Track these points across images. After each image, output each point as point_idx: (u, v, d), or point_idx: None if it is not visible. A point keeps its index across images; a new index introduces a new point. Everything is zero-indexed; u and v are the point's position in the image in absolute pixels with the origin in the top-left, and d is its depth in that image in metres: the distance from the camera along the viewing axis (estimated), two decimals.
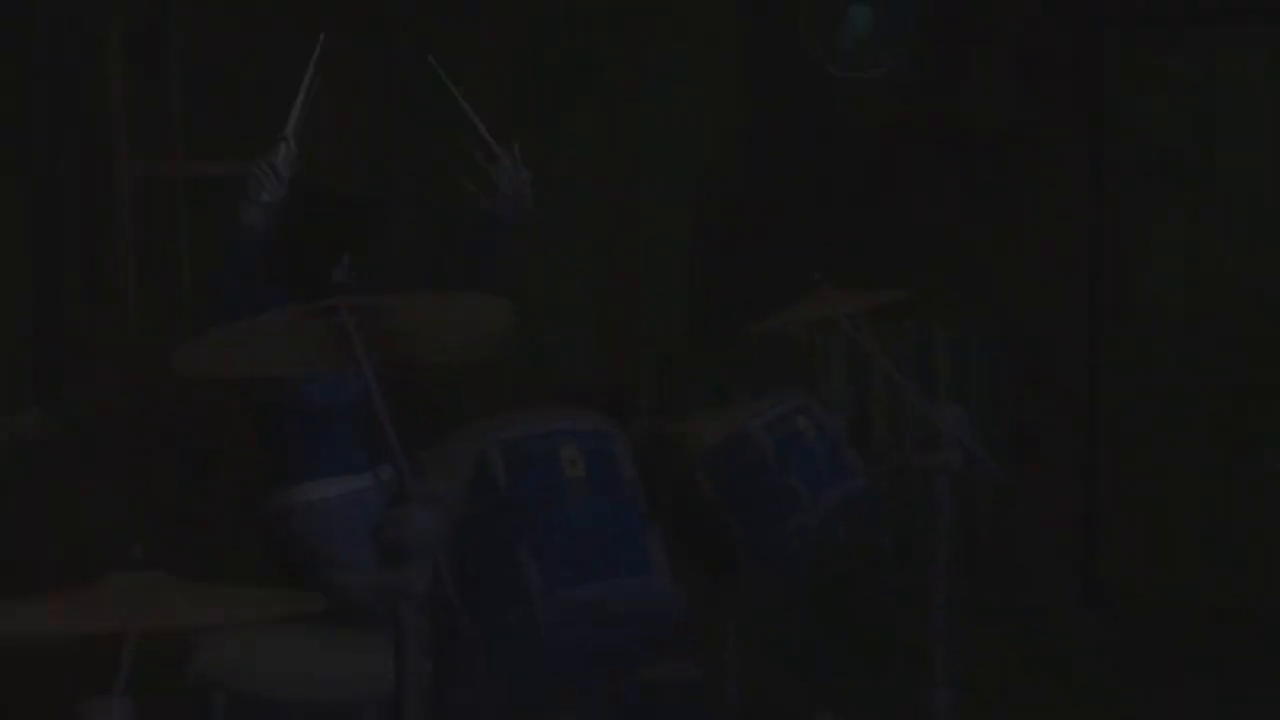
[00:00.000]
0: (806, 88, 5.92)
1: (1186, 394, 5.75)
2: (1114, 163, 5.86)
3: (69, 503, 4.14)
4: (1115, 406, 5.90)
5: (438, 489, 2.35)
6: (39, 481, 4.12)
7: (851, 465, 3.06)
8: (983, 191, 5.96)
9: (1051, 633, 5.39)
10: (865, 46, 5.58)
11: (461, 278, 3.20)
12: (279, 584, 3.19)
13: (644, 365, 5.73)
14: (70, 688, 2.13)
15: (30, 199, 4.34)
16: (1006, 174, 5.91)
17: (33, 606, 2.21)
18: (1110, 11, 5.78)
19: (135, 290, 4.41)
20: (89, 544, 3.85)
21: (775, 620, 4.82)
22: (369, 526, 2.15)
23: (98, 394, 4.28)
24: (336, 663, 2.69)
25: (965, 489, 5.75)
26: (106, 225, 4.40)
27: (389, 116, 5.31)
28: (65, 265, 4.41)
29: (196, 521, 4.17)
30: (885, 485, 3.24)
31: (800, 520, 2.91)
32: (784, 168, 6.19)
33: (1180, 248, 5.82)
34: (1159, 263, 5.86)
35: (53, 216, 4.38)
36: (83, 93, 4.39)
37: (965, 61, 6.00)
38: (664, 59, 6.12)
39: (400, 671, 2.17)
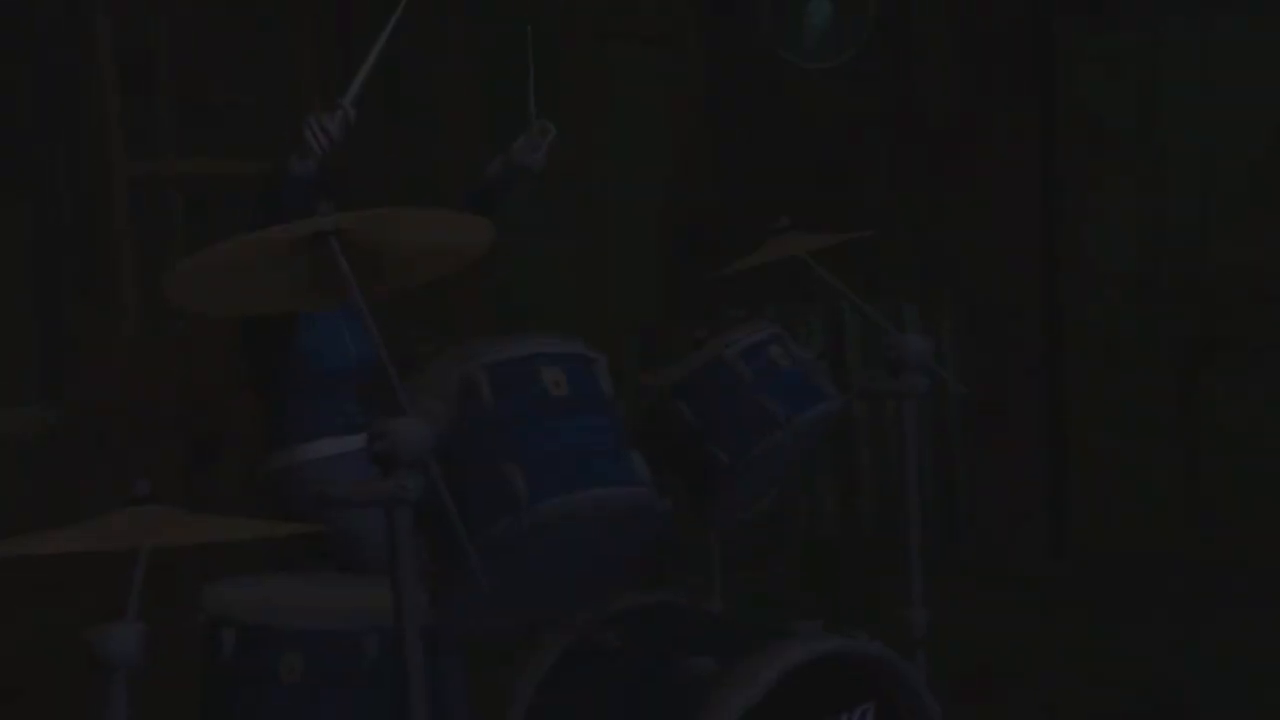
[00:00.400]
0: (767, 82, 6.07)
1: (1142, 354, 5.91)
2: (1063, 139, 6.03)
3: (73, 497, 4.21)
4: (1075, 370, 6.06)
5: (428, 406, 2.45)
6: (43, 476, 4.20)
7: (824, 389, 3.18)
8: (939, 174, 6.13)
9: (1021, 581, 5.55)
10: (825, 38, 5.73)
11: None
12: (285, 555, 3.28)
13: (629, 347, 5.85)
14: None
15: (30, 201, 4.43)
16: (961, 156, 6.07)
17: (49, 534, 2.30)
18: None
19: (134, 287, 4.51)
20: None
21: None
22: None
23: (101, 388, 4.36)
24: (339, 597, 2.79)
25: (941, 462, 5.97)
26: (104, 224, 4.50)
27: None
28: (65, 264, 4.51)
29: (205, 506, 4.26)
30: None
31: (777, 439, 3.03)
32: (747, 160, 6.35)
33: (1130, 217, 5.97)
34: (1111, 232, 6.01)
35: (51, 218, 4.47)
36: (78, 100, 4.50)
37: (918, 48, 6.16)
38: (629, 60, 6.27)
39: (397, 587, 2.28)
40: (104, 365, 4.46)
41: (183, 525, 2.38)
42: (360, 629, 2.60)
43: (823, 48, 5.61)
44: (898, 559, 3.25)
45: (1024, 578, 5.71)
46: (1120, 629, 5.07)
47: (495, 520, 2.45)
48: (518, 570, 2.57)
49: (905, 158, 6.19)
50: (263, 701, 2.57)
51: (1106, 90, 5.96)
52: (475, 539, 2.30)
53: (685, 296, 6.17)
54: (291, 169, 3.13)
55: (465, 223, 2.53)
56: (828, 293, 3.33)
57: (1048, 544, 6.02)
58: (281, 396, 3.41)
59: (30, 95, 4.46)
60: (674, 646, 2.87)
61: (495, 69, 5.85)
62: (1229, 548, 5.60)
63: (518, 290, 5.83)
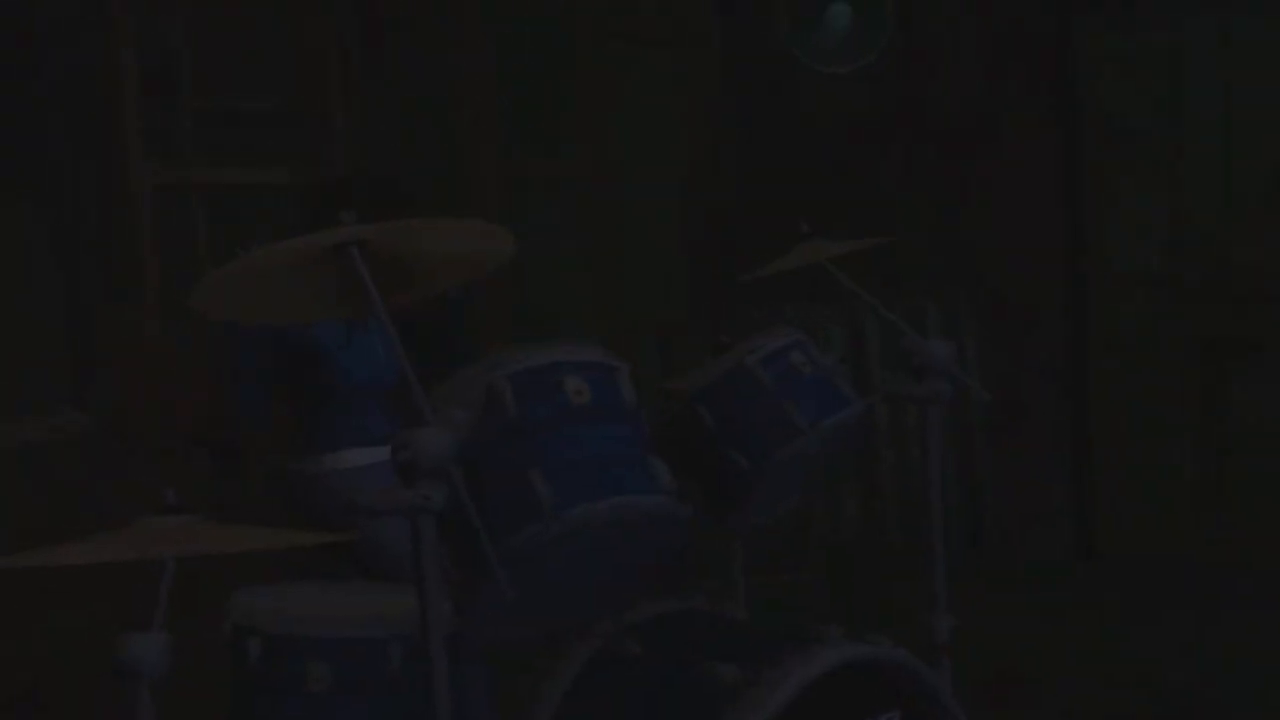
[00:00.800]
0: (782, 83, 6.07)
1: (1163, 355, 5.90)
2: (1083, 139, 6.02)
3: (98, 503, 4.23)
4: (1095, 372, 6.06)
5: (452, 415, 2.45)
6: (68, 482, 4.22)
7: (846, 395, 3.17)
8: (957, 175, 6.13)
9: (1044, 584, 5.54)
10: (845, 43, 5.72)
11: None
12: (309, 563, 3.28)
13: (646, 349, 5.85)
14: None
15: (52, 207, 4.45)
16: (979, 156, 6.07)
17: (77, 544, 2.31)
18: None
19: (157, 293, 4.52)
20: None
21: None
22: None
23: (126, 395, 4.37)
24: (363, 605, 2.80)
25: (962, 465, 5.96)
26: (126, 230, 4.52)
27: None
28: (90, 269, 4.53)
29: (230, 511, 4.28)
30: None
31: (800, 446, 3.03)
32: (766, 161, 6.35)
33: (1150, 217, 5.95)
34: (1131, 232, 5.99)
35: (74, 224, 4.49)
36: (99, 105, 4.51)
37: (934, 48, 6.16)
38: (645, 61, 6.27)
39: (422, 597, 2.28)
40: (129, 372, 4.47)
41: (209, 535, 2.38)
42: (385, 637, 2.61)
43: (842, 53, 5.61)
44: (920, 564, 3.25)
45: (1046, 581, 5.71)
46: (1143, 632, 5.07)
47: (519, 529, 2.45)
48: (540, 579, 2.56)
49: (922, 158, 6.19)
50: (288, 710, 2.58)
51: (1126, 90, 5.94)
52: (499, 547, 2.31)
53: (703, 299, 6.18)
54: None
55: (486, 231, 2.53)
56: (847, 295, 3.32)
57: (1070, 546, 6.01)
58: (312, 406, 3.43)
59: (51, 100, 4.48)
60: (697, 653, 2.87)
61: (510, 72, 5.87)
62: (1252, 549, 5.59)
63: (535, 294, 5.84)
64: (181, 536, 2.33)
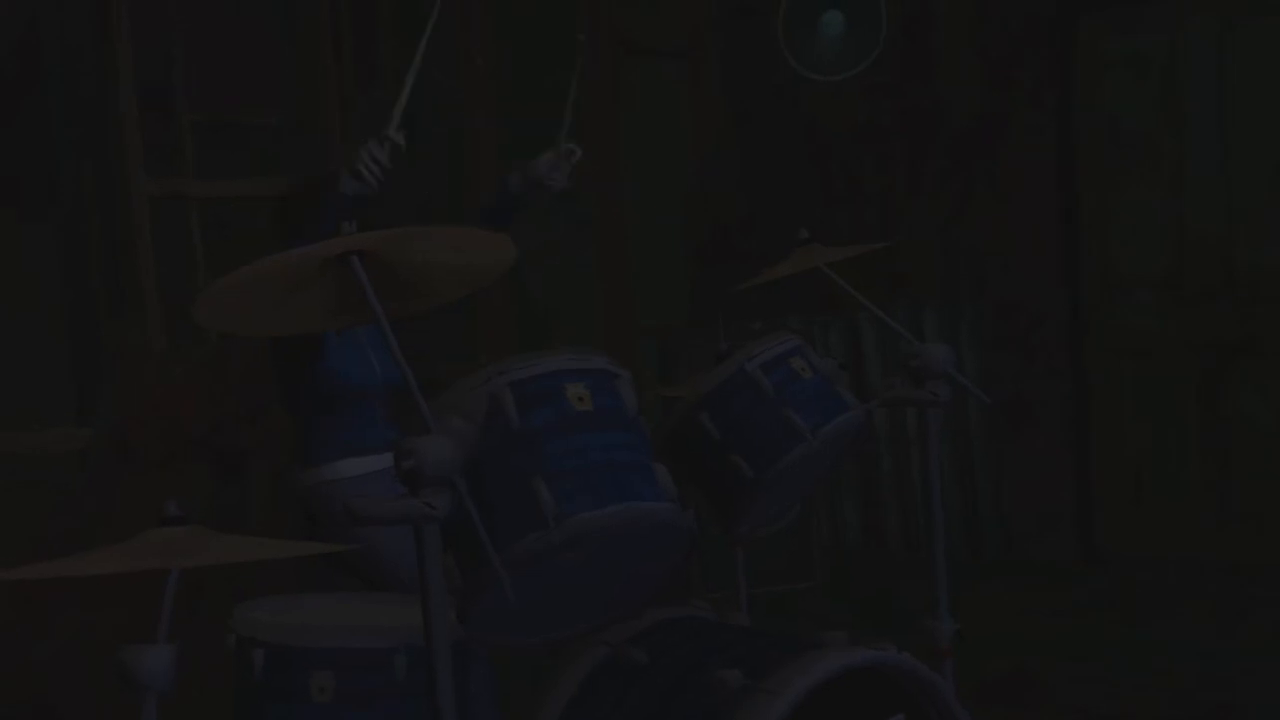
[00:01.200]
0: (786, 90, 6.09)
1: (1167, 356, 5.91)
2: (1085, 141, 6.03)
3: (104, 515, 4.24)
4: (1100, 372, 6.06)
5: (454, 424, 2.45)
6: (74, 494, 4.23)
7: (846, 400, 3.18)
8: (959, 178, 6.13)
9: (1049, 585, 5.54)
10: (838, 51, 5.74)
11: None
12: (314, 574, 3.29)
13: (646, 352, 5.86)
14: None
15: (56, 221, 4.47)
16: (982, 160, 6.08)
17: (80, 556, 2.32)
18: None
19: (159, 307, 4.54)
20: None
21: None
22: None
23: (130, 407, 4.38)
24: (368, 615, 2.80)
25: (964, 468, 5.96)
26: (128, 245, 4.53)
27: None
28: (91, 281, 4.54)
29: (233, 521, 4.31)
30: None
31: (801, 451, 3.03)
32: (767, 168, 6.36)
33: (1154, 219, 5.95)
34: (1134, 234, 5.99)
35: (78, 238, 4.51)
36: (101, 121, 4.53)
37: (937, 52, 6.17)
38: (649, 70, 6.29)
39: (426, 606, 2.28)
40: (130, 384, 4.48)
41: (213, 545, 2.39)
42: (389, 647, 2.61)
43: (836, 60, 5.62)
44: (922, 568, 3.25)
45: (1051, 582, 5.72)
46: (1148, 633, 5.07)
47: (522, 536, 2.44)
48: (544, 586, 2.57)
49: (924, 163, 6.20)
50: None
51: (1127, 92, 5.95)
52: (502, 555, 2.31)
53: (707, 306, 6.18)
54: (343, 188, 3.12)
55: (488, 240, 2.54)
56: (847, 302, 3.33)
57: (1075, 547, 6.02)
58: (310, 415, 3.43)
59: (52, 114, 4.50)
60: (702, 660, 2.87)
61: (517, 84, 5.87)
62: (1260, 548, 5.59)
63: (537, 301, 5.85)
64: (184, 548, 2.34)
